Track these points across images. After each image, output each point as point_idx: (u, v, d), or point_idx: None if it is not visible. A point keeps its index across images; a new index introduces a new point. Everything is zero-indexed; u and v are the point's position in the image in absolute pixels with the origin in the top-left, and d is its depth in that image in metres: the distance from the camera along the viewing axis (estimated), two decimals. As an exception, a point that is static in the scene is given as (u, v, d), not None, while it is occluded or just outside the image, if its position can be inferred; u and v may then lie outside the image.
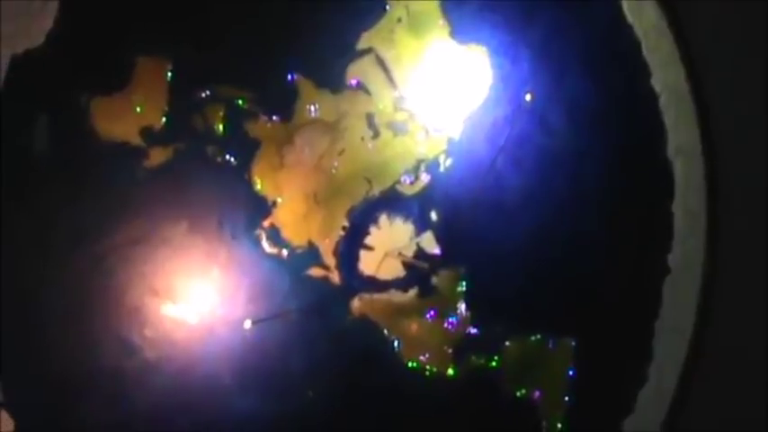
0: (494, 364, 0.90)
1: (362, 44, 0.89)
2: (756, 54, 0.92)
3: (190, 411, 0.86)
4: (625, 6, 0.91)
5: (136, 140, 0.87)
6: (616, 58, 0.91)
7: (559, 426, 0.91)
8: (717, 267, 0.92)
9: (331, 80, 0.89)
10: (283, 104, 0.89)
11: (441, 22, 0.89)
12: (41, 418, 0.86)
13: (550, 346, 0.91)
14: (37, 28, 0.84)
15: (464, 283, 0.91)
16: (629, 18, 0.90)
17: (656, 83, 0.91)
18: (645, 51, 0.91)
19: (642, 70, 0.91)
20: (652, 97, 0.91)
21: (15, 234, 0.85)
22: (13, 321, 0.85)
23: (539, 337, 0.91)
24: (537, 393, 0.91)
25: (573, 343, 0.91)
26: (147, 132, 0.87)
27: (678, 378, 0.92)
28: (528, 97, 0.87)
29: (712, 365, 0.92)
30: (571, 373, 0.91)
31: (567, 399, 0.92)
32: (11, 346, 0.85)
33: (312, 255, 0.89)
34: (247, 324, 0.85)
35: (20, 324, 0.85)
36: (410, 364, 0.90)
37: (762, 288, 0.92)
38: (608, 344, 0.92)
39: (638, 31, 0.90)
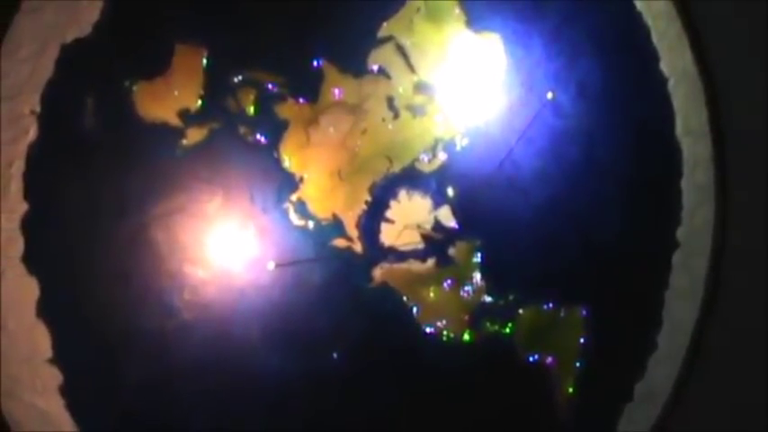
0: (507, 330, 0.95)
1: (383, 32, 0.94)
2: (762, 38, 0.95)
3: (223, 368, 0.92)
4: None
5: (174, 121, 0.92)
6: (626, 44, 0.95)
7: (571, 390, 0.95)
8: (724, 240, 0.95)
9: (354, 65, 0.94)
10: (310, 88, 0.94)
11: (457, 11, 0.93)
12: (88, 373, 0.91)
13: (562, 314, 0.95)
14: (85, 19, 0.90)
15: (479, 254, 0.95)
16: (639, 6, 0.94)
17: (665, 67, 0.95)
18: (654, 37, 0.94)
19: (652, 55, 0.95)
20: (661, 80, 0.95)
21: (66, 204, 0.91)
22: (64, 285, 0.90)
23: (551, 305, 0.95)
24: (549, 359, 0.96)
25: (584, 312, 0.95)
26: (184, 114, 0.92)
27: (687, 345, 0.95)
28: (550, 95, 0.91)
29: (720, 333, 0.95)
30: (583, 340, 0.95)
31: (578, 365, 0.95)
32: (62, 306, 0.91)
33: (336, 227, 0.94)
34: (271, 266, 0.90)
35: (70, 287, 0.91)
36: (428, 330, 0.94)
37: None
38: (619, 312, 0.97)
39: (648, 17, 0.94)
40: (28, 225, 0.91)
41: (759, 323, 0.96)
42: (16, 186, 0.90)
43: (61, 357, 0.92)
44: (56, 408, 0.90)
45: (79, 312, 0.92)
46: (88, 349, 0.93)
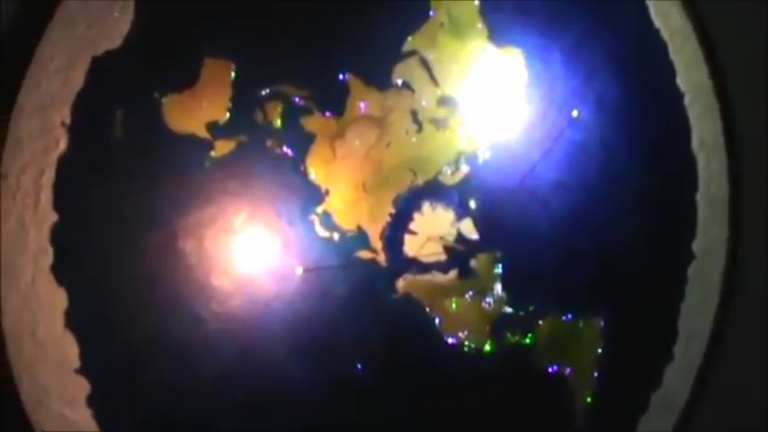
0: (528, 341, 0.98)
1: (408, 46, 0.97)
2: None
3: (248, 377, 0.94)
4: (652, 12, 0.97)
5: (203, 134, 0.94)
6: (644, 59, 0.98)
7: (589, 400, 0.98)
8: (738, 252, 0.98)
9: (379, 79, 0.97)
10: (336, 101, 0.96)
11: (479, 25, 0.96)
12: (115, 384, 0.93)
13: (580, 325, 0.98)
14: (116, 32, 0.92)
15: (500, 266, 0.98)
16: (656, 23, 0.97)
17: (682, 82, 0.98)
18: (671, 53, 0.97)
19: (669, 70, 0.98)
20: (678, 95, 0.98)
21: (95, 215, 0.93)
22: (92, 295, 0.92)
23: (569, 316, 0.98)
24: (568, 369, 0.98)
25: (601, 323, 0.97)
26: (212, 126, 0.94)
27: (702, 355, 0.98)
28: (575, 113, 0.94)
29: (734, 343, 0.98)
30: (600, 350, 0.98)
31: (596, 375, 0.98)
32: (89, 317, 0.93)
33: (361, 238, 0.97)
34: (299, 270, 0.93)
35: (98, 297, 0.93)
36: (450, 340, 0.96)
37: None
38: (636, 323, 1.00)
39: (665, 34, 0.97)
40: (57, 235, 0.93)
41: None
42: (46, 197, 0.91)
43: (89, 367, 0.94)
44: (84, 418, 0.93)
45: (106, 322, 0.94)
46: (115, 359, 0.94)
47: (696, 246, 0.99)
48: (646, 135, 0.99)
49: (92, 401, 0.94)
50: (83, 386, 0.93)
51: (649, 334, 1.00)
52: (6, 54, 0.91)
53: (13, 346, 0.92)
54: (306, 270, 0.92)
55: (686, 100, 0.99)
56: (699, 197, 0.99)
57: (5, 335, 0.91)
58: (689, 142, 0.99)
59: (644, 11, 0.99)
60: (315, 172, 0.96)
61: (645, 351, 1.00)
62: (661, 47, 0.99)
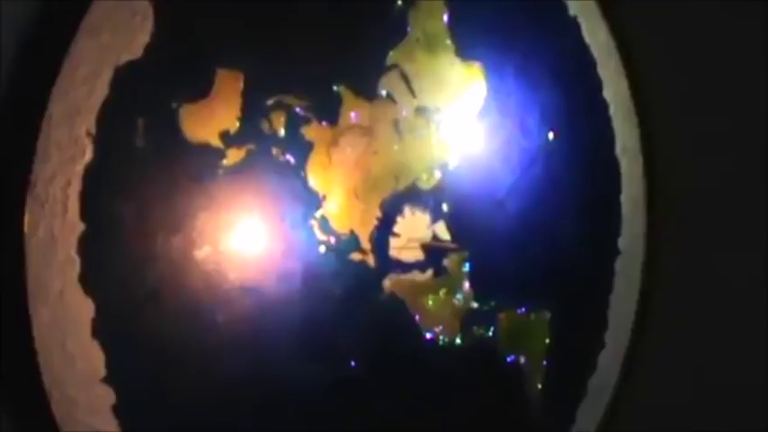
0: (490, 334, 1.61)
1: (390, 60, 1.50)
2: (685, 70, 1.71)
3: (261, 379, 1.42)
4: (584, 30, 1.64)
5: (216, 142, 1.42)
6: (578, 73, 1.63)
7: (539, 386, 1.62)
8: (656, 246, 1.68)
9: (367, 90, 1.49)
10: (331, 111, 1.47)
11: (448, 41, 1.58)
12: (139, 391, 1.37)
13: (532, 317, 1.63)
14: (137, 42, 1.41)
15: (468, 264, 1.59)
16: (587, 39, 1.64)
17: (607, 94, 1.64)
18: (599, 67, 1.65)
19: (597, 83, 1.64)
20: (604, 106, 1.64)
21: (120, 223, 1.35)
22: (117, 303, 1.37)
23: (523, 310, 1.62)
24: (522, 359, 1.62)
25: (548, 315, 1.64)
26: (224, 135, 1.42)
27: (628, 341, 1.67)
28: (551, 135, 1.58)
29: (656, 329, 1.69)
30: (547, 341, 1.64)
31: (545, 363, 1.64)
32: (114, 325, 1.35)
33: (353, 241, 1.50)
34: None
35: (122, 305, 1.36)
36: (428, 335, 1.58)
37: (695, 261, 1.70)
38: (576, 315, 1.62)
39: (594, 50, 1.64)
40: (84, 245, 1.37)
41: (693, 315, 1.71)
42: (73, 206, 1.37)
43: (114, 376, 1.37)
44: (110, 427, 1.39)
45: (130, 331, 1.37)
46: (139, 368, 1.38)
47: (621, 242, 1.64)
48: (580, 142, 1.60)
49: (117, 411, 1.37)
50: (108, 396, 1.37)
51: (586, 324, 1.63)
52: (34, 63, 1.37)
53: (44, 360, 1.36)
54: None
55: (611, 110, 1.63)
56: (622, 198, 1.64)
57: (37, 349, 1.35)
58: (613, 148, 1.63)
59: (577, 29, 1.61)
60: (314, 178, 1.47)
61: (583, 340, 1.63)
62: (591, 62, 1.63)
